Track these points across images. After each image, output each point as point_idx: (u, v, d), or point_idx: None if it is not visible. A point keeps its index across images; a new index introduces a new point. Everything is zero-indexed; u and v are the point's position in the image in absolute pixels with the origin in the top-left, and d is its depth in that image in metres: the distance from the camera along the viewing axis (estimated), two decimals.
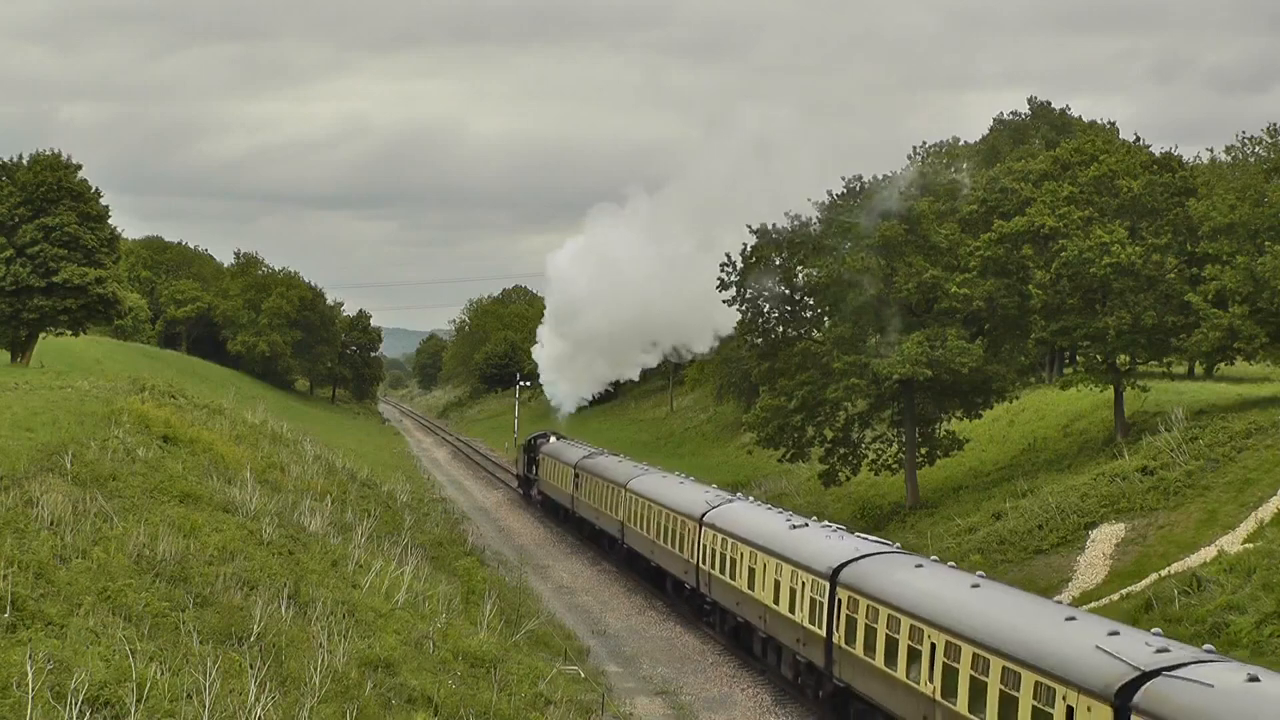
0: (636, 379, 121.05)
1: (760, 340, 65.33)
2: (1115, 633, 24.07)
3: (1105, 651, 23.00)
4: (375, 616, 30.04)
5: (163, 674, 20.22)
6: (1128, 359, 59.22)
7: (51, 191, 77.97)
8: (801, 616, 34.78)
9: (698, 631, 46.18)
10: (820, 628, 33.15)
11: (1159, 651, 22.59)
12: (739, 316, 66.07)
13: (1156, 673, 21.77)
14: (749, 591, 39.47)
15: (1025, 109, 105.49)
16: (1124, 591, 41.15)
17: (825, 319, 63.80)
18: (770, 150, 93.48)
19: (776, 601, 36.85)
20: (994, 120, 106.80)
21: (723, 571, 42.08)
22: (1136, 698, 21.40)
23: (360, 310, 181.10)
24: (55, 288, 77.24)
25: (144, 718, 18.71)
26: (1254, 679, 20.80)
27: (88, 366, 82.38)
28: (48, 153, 79.49)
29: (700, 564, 44.52)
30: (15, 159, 79.78)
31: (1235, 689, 20.62)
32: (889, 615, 29.45)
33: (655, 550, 50.42)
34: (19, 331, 79.21)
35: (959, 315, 60.62)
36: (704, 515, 44.63)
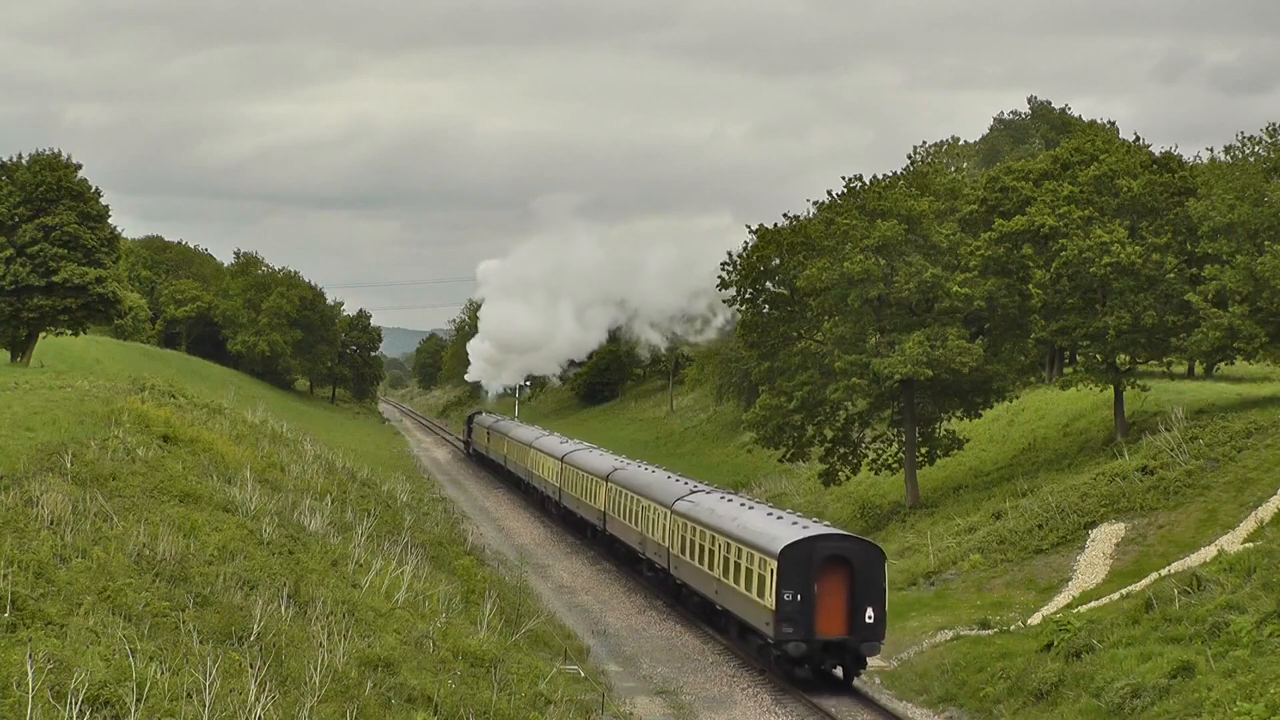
0: (558, 375, 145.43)
1: (759, 338, 65.34)
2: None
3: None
4: (375, 616, 30.02)
5: (163, 674, 20.22)
6: (1128, 359, 59.23)
7: (51, 191, 77.95)
8: (550, 477, 73.27)
9: (698, 631, 46.35)
10: (556, 482, 71.41)
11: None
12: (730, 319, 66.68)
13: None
14: (545, 477, 75.83)
15: (1025, 109, 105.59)
16: (1124, 591, 41.10)
17: (825, 319, 63.79)
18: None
19: (555, 481, 72.31)
20: (994, 120, 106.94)
21: (536, 470, 79.07)
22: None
23: (360, 310, 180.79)
24: (55, 287, 77.24)
25: (144, 717, 18.71)
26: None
27: (88, 366, 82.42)
28: (47, 152, 79.54)
29: (529, 468, 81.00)
30: (15, 158, 79.84)
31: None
32: (580, 474, 64.18)
33: (516, 467, 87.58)
34: (19, 331, 79.20)
35: (959, 315, 60.62)
36: (531, 442, 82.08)
